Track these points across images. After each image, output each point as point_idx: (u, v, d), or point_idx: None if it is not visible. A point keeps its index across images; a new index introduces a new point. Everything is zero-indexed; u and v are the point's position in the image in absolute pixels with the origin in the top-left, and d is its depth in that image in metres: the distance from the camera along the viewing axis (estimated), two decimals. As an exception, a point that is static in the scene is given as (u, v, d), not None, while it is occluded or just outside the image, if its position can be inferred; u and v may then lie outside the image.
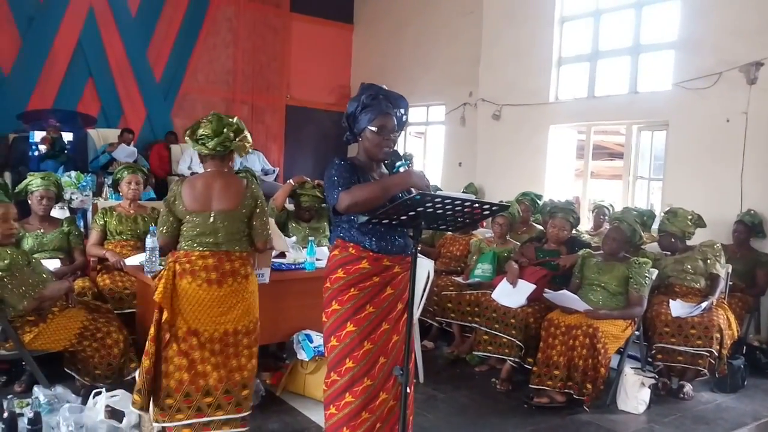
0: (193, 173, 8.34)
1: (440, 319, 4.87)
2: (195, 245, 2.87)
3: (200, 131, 2.88)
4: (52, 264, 3.88)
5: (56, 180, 4.29)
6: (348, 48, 11.25)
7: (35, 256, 3.73)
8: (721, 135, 5.90)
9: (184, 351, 2.86)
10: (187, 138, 2.95)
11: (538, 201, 5.91)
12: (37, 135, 7.64)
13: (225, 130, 2.87)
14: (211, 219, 2.87)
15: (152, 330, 2.87)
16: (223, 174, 2.96)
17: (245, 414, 2.97)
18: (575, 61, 7.53)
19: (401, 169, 2.48)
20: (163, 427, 2.93)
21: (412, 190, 2.46)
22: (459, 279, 4.94)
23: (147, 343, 2.87)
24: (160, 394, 2.88)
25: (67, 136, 7.77)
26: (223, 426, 2.93)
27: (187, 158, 8.60)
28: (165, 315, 2.85)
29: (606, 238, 4.28)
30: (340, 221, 2.56)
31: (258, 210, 2.99)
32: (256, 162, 9.05)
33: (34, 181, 4.12)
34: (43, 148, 7.50)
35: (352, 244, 2.51)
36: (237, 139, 2.92)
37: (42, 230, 4.10)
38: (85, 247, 4.27)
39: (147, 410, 2.90)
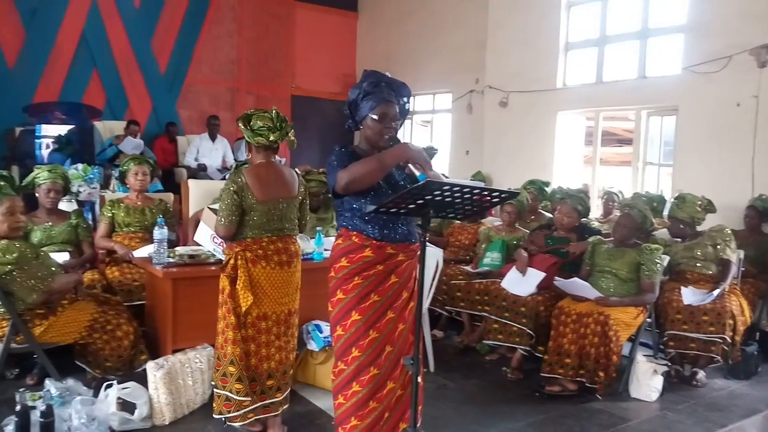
0: (200, 165, 8.33)
1: (449, 308, 4.86)
2: (263, 233, 3.00)
3: (258, 123, 3.01)
4: (61, 257, 3.87)
5: (63, 173, 4.28)
6: (353, 36, 11.18)
7: (44, 249, 3.72)
8: (731, 119, 5.84)
9: (252, 336, 3.00)
10: (242, 127, 3.04)
11: (546, 189, 5.86)
12: (45, 129, 7.64)
13: (283, 124, 3.06)
14: (280, 207, 3.04)
15: (232, 318, 2.96)
16: (275, 163, 3.14)
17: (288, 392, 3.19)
18: (583, 46, 7.46)
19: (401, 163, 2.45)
20: (225, 418, 3.01)
21: (414, 171, 2.42)
22: (468, 268, 4.91)
23: (230, 333, 2.96)
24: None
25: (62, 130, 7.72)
26: (279, 407, 3.11)
27: (194, 150, 8.58)
28: (246, 302, 2.94)
29: (616, 225, 4.24)
30: (343, 210, 2.55)
31: (305, 197, 3.27)
32: (263, 152, 9.02)
33: (41, 174, 4.11)
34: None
35: (355, 232, 2.50)
36: (291, 134, 3.11)
37: (50, 223, 4.09)
38: (93, 240, 4.26)
39: (250, 395, 2.98)
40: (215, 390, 3.05)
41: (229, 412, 2.98)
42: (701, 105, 6.10)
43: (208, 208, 3.56)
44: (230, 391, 2.97)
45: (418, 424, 2.51)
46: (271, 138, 3.02)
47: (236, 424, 3.05)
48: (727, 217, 5.02)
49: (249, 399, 2.97)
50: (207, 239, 3.58)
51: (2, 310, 3.17)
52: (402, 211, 2.26)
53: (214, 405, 3.06)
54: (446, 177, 2.65)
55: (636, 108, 6.93)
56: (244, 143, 9.07)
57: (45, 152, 7.55)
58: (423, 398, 2.65)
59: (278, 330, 3.06)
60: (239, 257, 2.97)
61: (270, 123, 3.03)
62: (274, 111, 3.07)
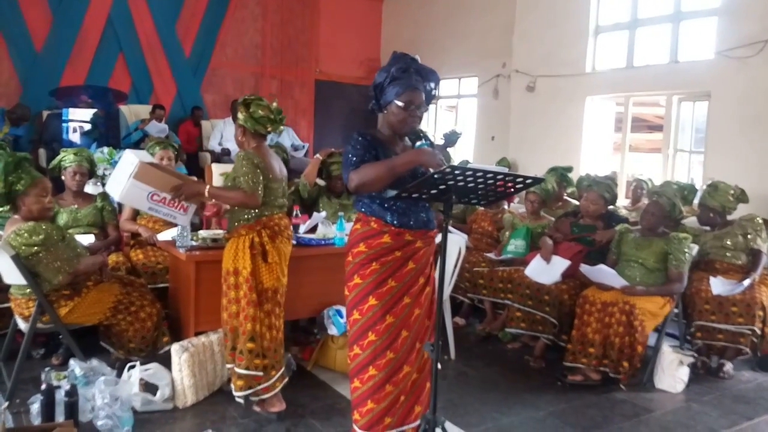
0: (224, 149, 8.37)
1: (472, 296, 4.82)
2: (275, 209, 3.19)
3: (259, 112, 3.14)
4: (87, 239, 3.91)
5: (89, 156, 4.31)
6: (377, 20, 11.08)
7: (69, 231, 3.76)
8: (765, 106, 5.67)
9: (269, 310, 3.13)
10: (241, 114, 3.16)
11: (568, 175, 5.75)
12: (71, 112, 7.74)
13: (280, 117, 3.22)
14: (283, 185, 3.27)
15: (254, 296, 3.08)
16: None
17: None
18: (613, 30, 7.29)
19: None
20: (249, 393, 3.12)
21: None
22: (491, 255, 4.86)
23: (251, 310, 3.07)
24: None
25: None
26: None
27: (218, 134, 8.61)
28: (273, 277, 3.12)
29: (645, 213, 4.14)
30: (361, 195, 2.53)
31: None
32: (286, 138, 9.01)
33: (67, 157, 4.15)
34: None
35: (373, 218, 2.49)
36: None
37: (76, 206, 4.13)
38: (118, 223, 4.30)
39: (275, 366, 3.15)
40: (237, 370, 3.11)
41: (258, 385, 3.09)
42: (734, 91, 5.93)
43: (130, 152, 3.37)
44: (247, 368, 3.07)
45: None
46: (270, 129, 3.19)
47: (268, 395, 3.14)
48: (758, 206, 4.88)
49: (262, 373, 3.09)
50: (142, 199, 3.28)
51: (29, 290, 3.22)
52: (424, 196, 2.24)
53: (238, 383, 3.12)
54: (470, 163, 2.61)
55: (667, 93, 6.77)
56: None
57: (72, 135, 7.65)
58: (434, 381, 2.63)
59: (282, 301, 3.22)
60: (263, 234, 3.10)
61: (270, 114, 3.17)
62: (274, 104, 3.22)
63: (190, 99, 9.45)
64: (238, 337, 3.11)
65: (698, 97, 6.52)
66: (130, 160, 3.30)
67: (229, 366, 3.21)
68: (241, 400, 3.17)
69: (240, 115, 3.17)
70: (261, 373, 3.08)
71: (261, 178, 3.07)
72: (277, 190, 3.19)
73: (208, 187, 3.21)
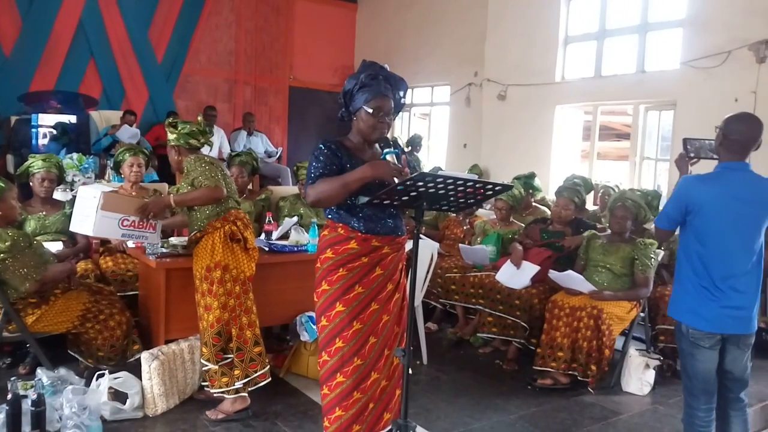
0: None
1: (444, 301, 4.86)
2: (235, 203, 3.33)
3: (187, 127, 3.32)
4: (55, 246, 3.86)
5: (58, 162, 4.26)
6: (351, 28, 11.12)
7: (38, 238, 3.71)
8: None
9: (252, 299, 3.26)
10: (172, 134, 3.32)
11: (531, 182, 5.83)
12: (41, 118, 7.61)
13: (208, 130, 3.42)
14: (233, 186, 3.41)
15: (237, 288, 3.16)
16: None
17: None
18: (582, 40, 7.43)
19: (387, 158, 2.40)
20: (229, 390, 3.15)
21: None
22: (463, 245, 4.89)
23: (222, 299, 3.11)
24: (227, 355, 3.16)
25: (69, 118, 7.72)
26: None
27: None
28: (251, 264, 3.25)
29: (613, 218, 4.21)
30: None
31: None
32: (260, 144, 8.98)
33: (36, 163, 4.09)
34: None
35: (341, 224, 2.50)
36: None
37: (44, 212, 4.08)
38: (87, 230, 4.24)
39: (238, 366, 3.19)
40: (219, 365, 3.11)
41: (238, 378, 3.13)
42: (699, 100, 6.08)
43: (86, 187, 3.44)
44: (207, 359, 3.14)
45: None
46: (202, 140, 3.35)
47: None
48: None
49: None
50: (114, 228, 3.25)
51: (-6, 298, 3.17)
52: (396, 203, 2.26)
53: (216, 383, 3.14)
54: (442, 170, 2.65)
55: (634, 102, 6.91)
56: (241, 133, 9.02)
57: (41, 141, 7.52)
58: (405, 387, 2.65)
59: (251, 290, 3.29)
60: (238, 223, 3.22)
61: (197, 127, 3.34)
62: (199, 118, 3.45)
63: (163, 105, 9.34)
64: (234, 330, 3.15)
65: (664, 106, 6.67)
66: (90, 194, 3.26)
67: (212, 366, 3.13)
68: (227, 396, 3.14)
69: (171, 137, 3.32)
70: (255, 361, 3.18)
71: (218, 172, 3.20)
72: (231, 186, 3.34)
73: (171, 196, 3.29)
